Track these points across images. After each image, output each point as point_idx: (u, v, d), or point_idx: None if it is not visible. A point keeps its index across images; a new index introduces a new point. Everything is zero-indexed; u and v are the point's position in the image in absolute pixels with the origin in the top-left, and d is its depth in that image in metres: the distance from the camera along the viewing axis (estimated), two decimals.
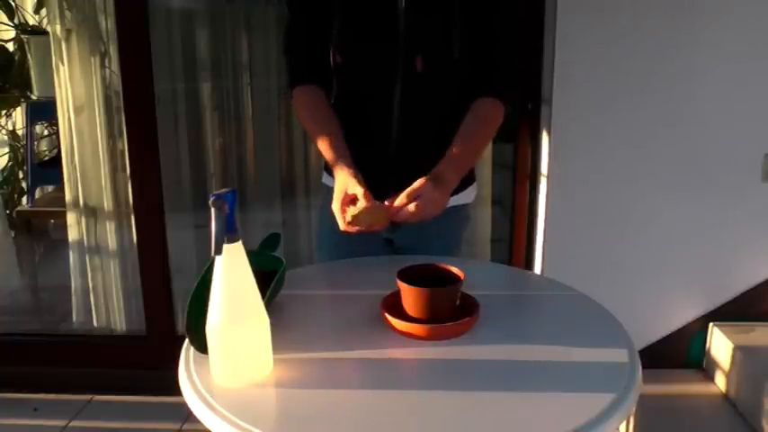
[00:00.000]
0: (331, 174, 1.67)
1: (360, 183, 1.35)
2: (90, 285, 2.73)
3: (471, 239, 2.58)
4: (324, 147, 1.47)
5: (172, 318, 2.51)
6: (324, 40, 1.50)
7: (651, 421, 2.11)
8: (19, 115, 3.61)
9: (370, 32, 1.49)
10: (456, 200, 1.62)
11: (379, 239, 1.64)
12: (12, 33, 3.39)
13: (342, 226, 1.35)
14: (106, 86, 2.59)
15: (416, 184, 1.33)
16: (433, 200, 1.33)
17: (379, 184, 1.58)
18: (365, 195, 1.31)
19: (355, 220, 1.30)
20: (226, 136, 2.76)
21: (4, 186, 3.62)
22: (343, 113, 1.50)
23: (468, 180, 1.67)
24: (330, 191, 1.67)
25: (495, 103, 1.51)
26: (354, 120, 1.49)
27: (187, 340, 1.09)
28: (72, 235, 2.74)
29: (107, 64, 2.58)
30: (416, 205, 1.30)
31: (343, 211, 1.34)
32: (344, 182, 1.37)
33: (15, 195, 3.63)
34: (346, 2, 1.48)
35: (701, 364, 2.40)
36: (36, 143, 3.54)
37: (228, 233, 0.95)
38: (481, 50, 1.49)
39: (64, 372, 2.51)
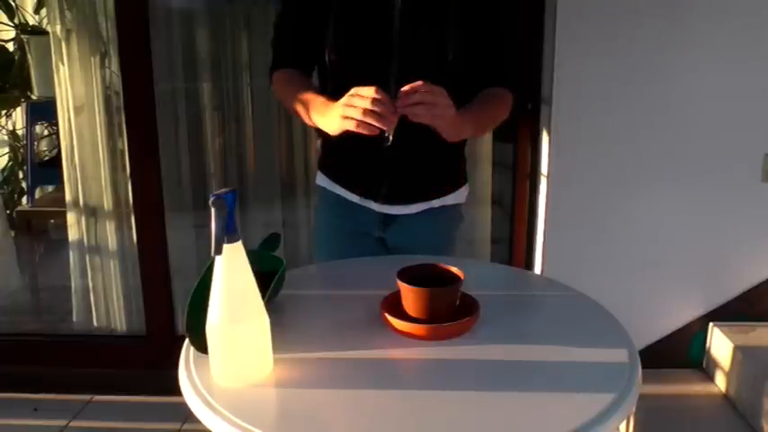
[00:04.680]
0: (325, 172, 1.67)
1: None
2: (90, 285, 2.73)
3: (471, 239, 2.58)
4: (306, 98, 1.44)
5: (172, 318, 2.51)
6: (312, 36, 1.51)
7: (651, 421, 2.10)
8: (19, 115, 3.61)
9: (364, 32, 1.49)
10: (448, 200, 1.63)
11: (372, 239, 1.65)
12: (12, 33, 3.39)
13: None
14: (106, 86, 2.59)
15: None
16: (443, 96, 1.25)
17: (373, 184, 1.58)
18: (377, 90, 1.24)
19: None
20: (226, 136, 2.76)
21: (4, 186, 3.62)
22: None
23: (460, 181, 1.68)
24: (324, 191, 1.68)
25: (503, 90, 1.53)
26: None
27: (187, 340, 1.09)
28: (72, 235, 2.74)
29: (107, 64, 2.58)
30: (425, 91, 1.23)
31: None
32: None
33: (15, 195, 3.63)
34: (342, 1, 1.48)
35: (700, 364, 2.40)
36: (36, 143, 3.53)
37: (228, 233, 0.95)
38: (479, 52, 1.50)
39: (64, 372, 2.51)
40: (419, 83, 1.24)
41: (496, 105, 1.53)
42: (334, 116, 1.29)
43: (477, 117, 1.46)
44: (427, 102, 1.24)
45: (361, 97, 1.23)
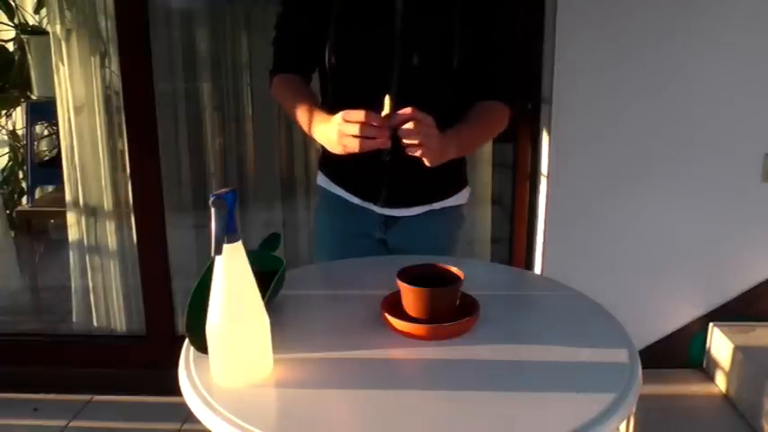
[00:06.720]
0: (325, 172, 1.67)
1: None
2: (90, 285, 2.73)
3: (471, 239, 2.58)
4: (305, 110, 1.45)
5: (172, 318, 2.51)
6: (313, 38, 1.50)
7: (651, 421, 2.10)
8: (19, 115, 3.62)
9: (365, 34, 1.49)
10: (449, 202, 1.63)
11: (373, 240, 1.65)
12: (12, 33, 3.39)
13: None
14: (106, 86, 2.59)
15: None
16: (431, 128, 1.28)
17: (373, 189, 1.58)
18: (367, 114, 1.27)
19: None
20: (226, 136, 2.76)
21: (4, 186, 3.62)
22: None
23: (461, 183, 1.67)
24: (325, 192, 1.68)
25: (499, 105, 1.52)
26: None
27: (187, 340, 1.09)
28: (72, 235, 2.74)
29: (107, 64, 2.58)
30: (416, 119, 1.25)
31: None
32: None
33: (15, 195, 3.64)
34: (344, 4, 1.48)
35: (700, 364, 2.40)
36: (36, 143, 3.54)
37: (228, 233, 0.95)
38: (481, 62, 1.49)
39: (64, 372, 2.51)
40: (408, 110, 1.25)
41: (488, 123, 1.51)
42: (334, 141, 1.32)
43: (464, 139, 1.44)
44: (415, 134, 1.26)
45: (352, 124, 1.26)
